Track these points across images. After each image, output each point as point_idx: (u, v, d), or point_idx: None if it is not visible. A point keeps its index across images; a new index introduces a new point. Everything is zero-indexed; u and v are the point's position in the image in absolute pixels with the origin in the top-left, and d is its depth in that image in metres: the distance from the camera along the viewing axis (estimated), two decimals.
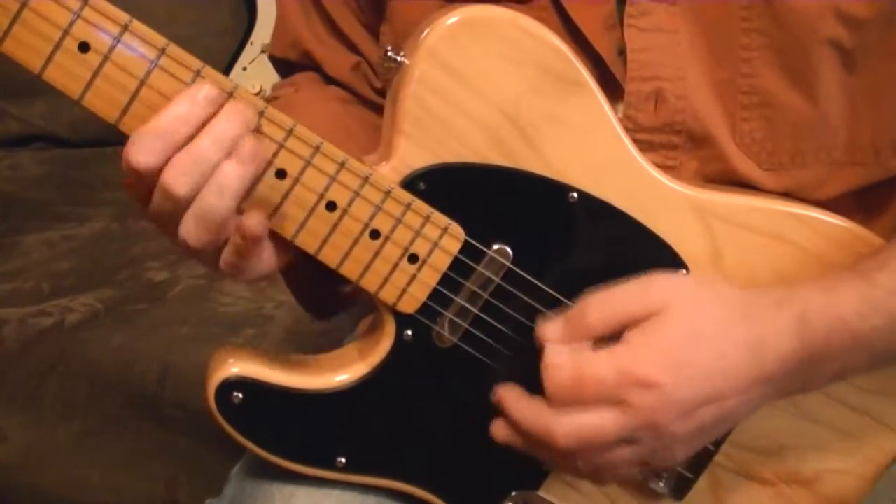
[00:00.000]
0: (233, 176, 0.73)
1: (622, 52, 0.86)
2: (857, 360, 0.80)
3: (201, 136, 0.72)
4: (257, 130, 0.75)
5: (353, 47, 0.99)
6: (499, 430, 0.82)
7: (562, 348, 0.78)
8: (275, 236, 0.79)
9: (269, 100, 1.00)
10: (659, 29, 0.85)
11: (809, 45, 0.84)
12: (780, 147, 0.87)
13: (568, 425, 0.76)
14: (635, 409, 0.75)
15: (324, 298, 0.96)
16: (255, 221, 0.74)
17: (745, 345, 0.77)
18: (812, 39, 0.84)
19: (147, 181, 0.73)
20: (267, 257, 0.79)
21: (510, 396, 0.81)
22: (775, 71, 0.85)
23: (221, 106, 0.73)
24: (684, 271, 0.83)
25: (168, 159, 0.72)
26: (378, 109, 0.99)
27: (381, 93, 0.99)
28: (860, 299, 0.79)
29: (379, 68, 0.98)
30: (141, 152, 0.72)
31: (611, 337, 0.77)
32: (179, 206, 0.73)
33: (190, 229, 0.74)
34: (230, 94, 0.74)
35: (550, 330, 0.79)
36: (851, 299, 0.79)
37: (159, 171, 0.72)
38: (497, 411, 0.82)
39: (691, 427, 0.77)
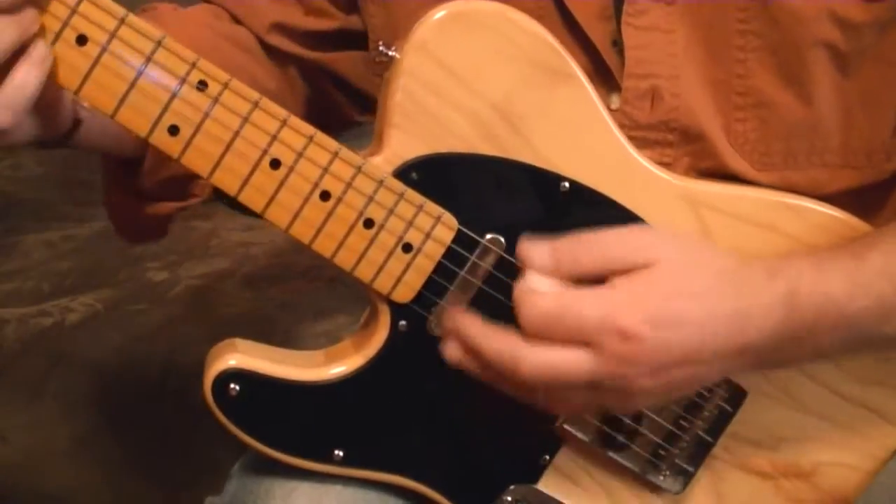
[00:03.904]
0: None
1: (616, 43, 0.87)
2: (839, 340, 0.79)
3: None
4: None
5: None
6: (452, 351, 0.78)
7: (545, 278, 0.76)
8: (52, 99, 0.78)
9: (142, 10, 0.96)
10: (656, 28, 0.86)
11: (804, 47, 0.84)
12: (773, 148, 0.87)
13: (537, 358, 0.74)
14: (608, 356, 0.73)
15: (132, 212, 0.97)
16: None
17: (730, 313, 0.75)
18: (807, 41, 0.84)
19: None
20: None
21: (472, 322, 0.77)
22: (770, 72, 0.85)
23: None
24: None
25: None
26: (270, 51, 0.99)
27: (298, 60, 1.00)
28: (850, 279, 0.78)
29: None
30: None
31: (595, 281, 0.75)
32: None
33: None
34: (225, 85, 0.75)
35: (538, 254, 0.76)
36: (842, 278, 0.78)
37: None
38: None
39: (660, 384, 0.76)
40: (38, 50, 0.72)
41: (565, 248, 0.76)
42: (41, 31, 0.72)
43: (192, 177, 0.95)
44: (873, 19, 0.84)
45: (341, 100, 1.04)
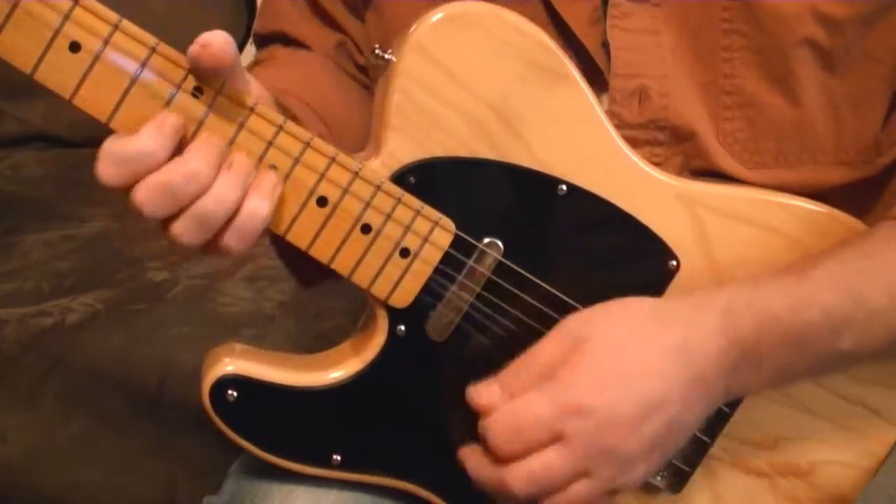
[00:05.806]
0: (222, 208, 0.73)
1: (606, 45, 0.87)
2: (795, 358, 0.80)
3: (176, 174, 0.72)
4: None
5: (335, 26, 0.99)
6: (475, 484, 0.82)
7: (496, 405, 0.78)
8: None
9: (258, 61, 1.01)
10: (642, 30, 0.86)
11: (788, 46, 0.84)
12: (763, 147, 0.87)
13: (518, 474, 0.77)
14: (576, 438, 0.75)
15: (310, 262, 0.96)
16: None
17: (671, 349, 0.77)
18: (790, 40, 0.84)
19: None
20: None
21: (468, 456, 0.81)
22: (756, 72, 0.86)
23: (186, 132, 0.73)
24: (669, 257, 0.84)
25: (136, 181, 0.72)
26: (362, 86, 1.00)
27: (365, 70, 1.00)
28: (791, 293, 0.78)
29: (364, 49, 0.99)
30: (108, 174, 0.71)
31: None
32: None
33: (183, 233, 0.74)
34: (219, 91, 0.75)
35: (486, 393, 0.79)
36: (782, 293, 0.78)
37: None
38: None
39: (643, 441, 0.77)
40: (268, 180, 0.74)
41: (509, 374, 0.79)
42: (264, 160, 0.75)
43: None
44: (855, 14, 0.84)
45: None
